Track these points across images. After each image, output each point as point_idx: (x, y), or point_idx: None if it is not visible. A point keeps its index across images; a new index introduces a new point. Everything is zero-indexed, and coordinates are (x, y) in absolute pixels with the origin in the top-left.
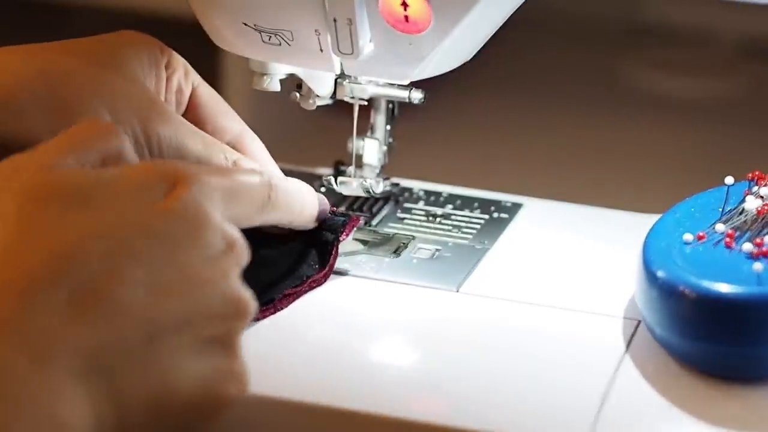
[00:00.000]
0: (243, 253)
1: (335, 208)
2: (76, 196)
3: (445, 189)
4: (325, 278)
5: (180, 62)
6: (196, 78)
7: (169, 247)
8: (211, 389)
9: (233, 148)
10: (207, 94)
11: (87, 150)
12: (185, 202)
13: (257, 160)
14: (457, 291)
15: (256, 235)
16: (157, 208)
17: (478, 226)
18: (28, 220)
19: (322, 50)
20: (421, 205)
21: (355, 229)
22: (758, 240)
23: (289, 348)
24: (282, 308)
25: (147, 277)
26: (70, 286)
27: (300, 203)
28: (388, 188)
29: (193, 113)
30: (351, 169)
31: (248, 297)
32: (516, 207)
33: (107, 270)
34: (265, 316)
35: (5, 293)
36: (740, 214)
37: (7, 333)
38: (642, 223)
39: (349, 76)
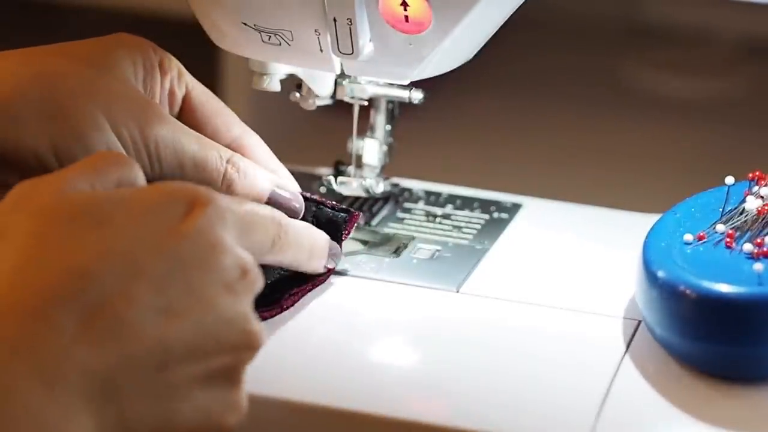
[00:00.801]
0: (257, 281)
1: (334, 203)
2: (90, 215)
3: (445, 189)
4: (327, 276)
5: (174, 64)
6: (190, 80)
7: (183, 270)
8: (213, 419)
9: (235, 149)
10: (202, 95)
11: (101, 176)
12: (201, 225)
13: (260, 162)
14: (457, 291)
15: None
16: (173, 230)
17: (478, 226)
18: (42, 240)
19: (322, 50)
20: (421, 205)
21: (355, 225)
22: (759, 240)
23: (289, 348)
24: (288, 307)
25: (159, 301)
26: (82, 306)
27: (309, 246)
28: (388, 188)
29: (189, 116)
30: (351, 169)
31: (259, 329)
32: (516, 207)
33: (119, 291)
34: (271, 316)
35: (17, 313)
36: (740, 214)
37: (17, 353)
38: (642, 223)
39: (349, 76)
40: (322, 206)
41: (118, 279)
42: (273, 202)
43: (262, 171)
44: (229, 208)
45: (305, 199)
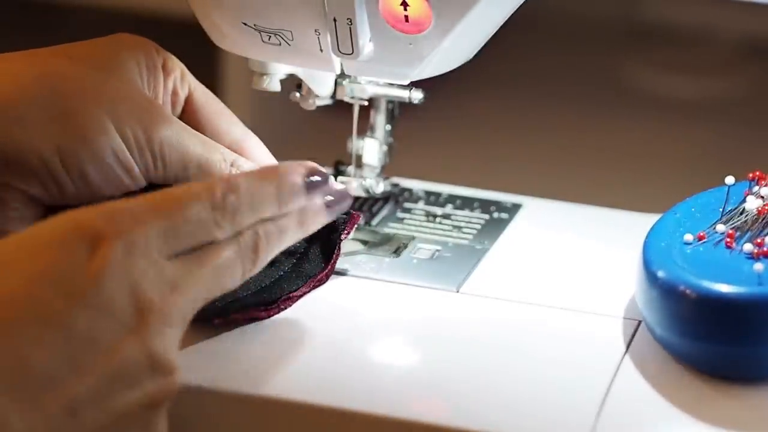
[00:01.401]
0: (161, 317)
1: None
2: None
3: (445, 189)
4: (327, 277)
5: (176, 65)
6: (192, 81)
7: (89, 317)
8: None
9: (235, 151)
10: (204, 97)
11: None
12: (109, 267)
13: (259, 163)
14: (457, 291)
15: None
16: (80, 272)
17: (478, 226)
18: None
19: (322, 50)
20: (421, 205)
21: (356, 226)
22: (759, 240)
23: (289, 348)
24: (285, 308)
25: (67, 349)
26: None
27: (274, 185)
28: (388, 188)
29: (191, 116)
30: (351, 169)
31: (170, 364)
32: (516, 207)
33: (34, 340)
34: (270, 316)
35: None
36: (741, 214)
37: None
38: (642, 223)
39: (349, 76)
40: None
41: (28, 324)
42: None
43: None
44: (141, 232)
45: None
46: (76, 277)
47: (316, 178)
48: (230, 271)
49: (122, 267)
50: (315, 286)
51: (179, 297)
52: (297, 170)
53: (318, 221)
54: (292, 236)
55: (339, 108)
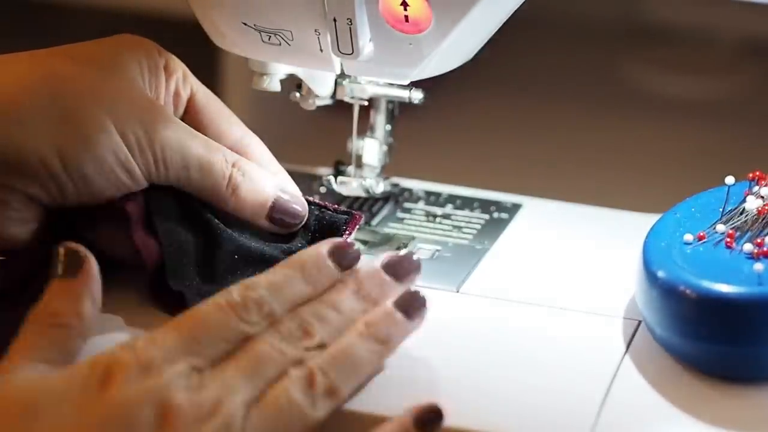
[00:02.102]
0: (190, 417)
1: (336, 206)
2: (26, 410)
3: (445, 189)
4: None
5: (178, 66)
6: (194, 82)
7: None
8: None
9: (236, 152)
10: (206, 98)
11: (44, 349)
12: (126, 383)
13: (260, 164)
14: (457, 291)
15: (259, 235)
16: (95, 411)
17: (478, 226)
18: None
19: (322, 50)
20: (421, 205)
21: (357, 227)
22: (759, 240)
23: None
24: None
25: None
26: None
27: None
28: (388, 188)
29: (192, 117)
30: (351, 169)
31: None
32: (516, 207)
33: None
34: None
35: None
36: (741, 214)
37: None
38: (642, 223)
39: (349, 76)
40: (324, 209)
41: None
42: (277, 206)
43: (267, 175)
44: (158, 350)
45: (308, 202)
46: (88, 407)
47: (349, 249)
48: (273, 359)
49: (137, 385)
50: None
51: (210, 393)
52: (320, 245)
53: (378, 284)
54: (351, 306)
55: (339, 108)
